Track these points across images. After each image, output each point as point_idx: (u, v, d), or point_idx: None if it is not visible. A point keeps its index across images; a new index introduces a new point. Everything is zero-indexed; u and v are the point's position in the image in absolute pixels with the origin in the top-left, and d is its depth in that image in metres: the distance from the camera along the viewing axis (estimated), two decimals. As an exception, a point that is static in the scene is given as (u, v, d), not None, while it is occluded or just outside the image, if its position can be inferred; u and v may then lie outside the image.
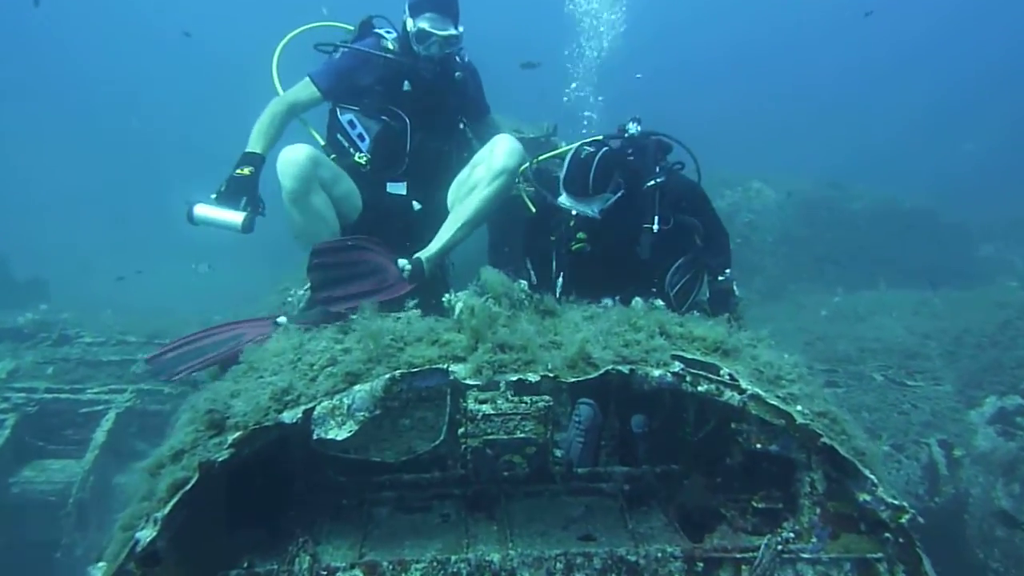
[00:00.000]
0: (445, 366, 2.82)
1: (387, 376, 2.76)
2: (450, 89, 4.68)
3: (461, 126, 4.91)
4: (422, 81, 4.52)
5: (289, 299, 4.41)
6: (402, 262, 3.96)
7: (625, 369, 2.85)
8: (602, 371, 2.78)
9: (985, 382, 6.29)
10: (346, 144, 4.55)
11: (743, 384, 2.95)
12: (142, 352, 6.50)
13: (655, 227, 3.82)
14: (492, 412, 2.85)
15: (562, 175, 3.91)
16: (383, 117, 4.52)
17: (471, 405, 2.84)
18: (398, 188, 4.66)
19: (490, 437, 2.88)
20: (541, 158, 4.57)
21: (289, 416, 2.67)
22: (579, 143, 4.20)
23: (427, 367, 2.81)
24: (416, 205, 4.69)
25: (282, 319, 3.69)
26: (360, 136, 4.51)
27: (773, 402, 2.87)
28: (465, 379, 2.74)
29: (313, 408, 2.70)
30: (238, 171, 4.09)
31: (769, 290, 9.74)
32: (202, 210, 3.89)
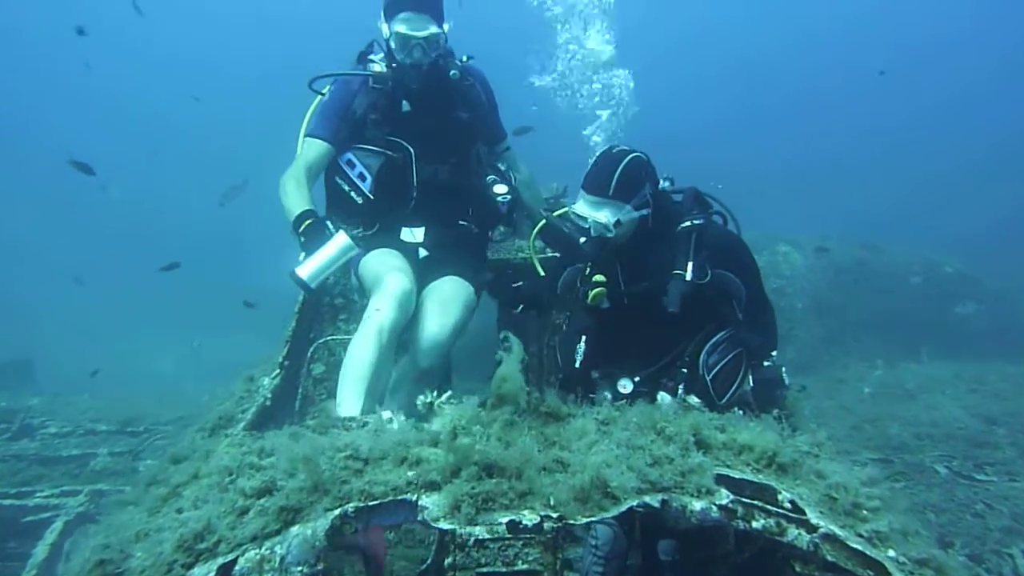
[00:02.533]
0: (414, 497, 2.13)
1: (333, 513, 2.07)
2: (454, 99, 4.00)
3: (477, 154, 4.17)
4: (419, 97, 3.89)
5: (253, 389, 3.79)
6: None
7: (655, 501, 2.14)
8: (624, 507, 2.07)
9: (1070, 478, 5.41)
10: (347, 188, 3.92)
11: (812, 518, 2.23)
12: (108, 444, 5.83)
13: (688, 275, 3.01)
14: (487, 536, 2.13)
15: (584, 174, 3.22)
16: (382, 150, 3.89)
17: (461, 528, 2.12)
18: (411, 235, 3.99)
19: (484, 569, 2.25)
20: (556, 213, 3.85)
21: (200, 574, 1.97)
22: None
23: (389, 499, 2.12)
24: (422, 252, 4.00)
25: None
26: (360, 175, 3.89)
27: (856, 545, 2.14)
28: (437, 519, 2.04)
29: (234, 562, 2.01)
30: (304, 225, 3.50)
31: (802, 361, 8.96)
32: (308, 267, 3.34)
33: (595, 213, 3.09)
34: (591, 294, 3.17)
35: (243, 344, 9.33)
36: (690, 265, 3.01)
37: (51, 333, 14.97)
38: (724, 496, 2.21)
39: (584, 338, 3.30)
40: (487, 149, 4.28)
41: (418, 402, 2.53)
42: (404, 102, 3.89)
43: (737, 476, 2.40)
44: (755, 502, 2.27)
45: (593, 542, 2.89)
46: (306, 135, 3.92)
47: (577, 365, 3.26)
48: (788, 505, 2.30)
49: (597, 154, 3.24)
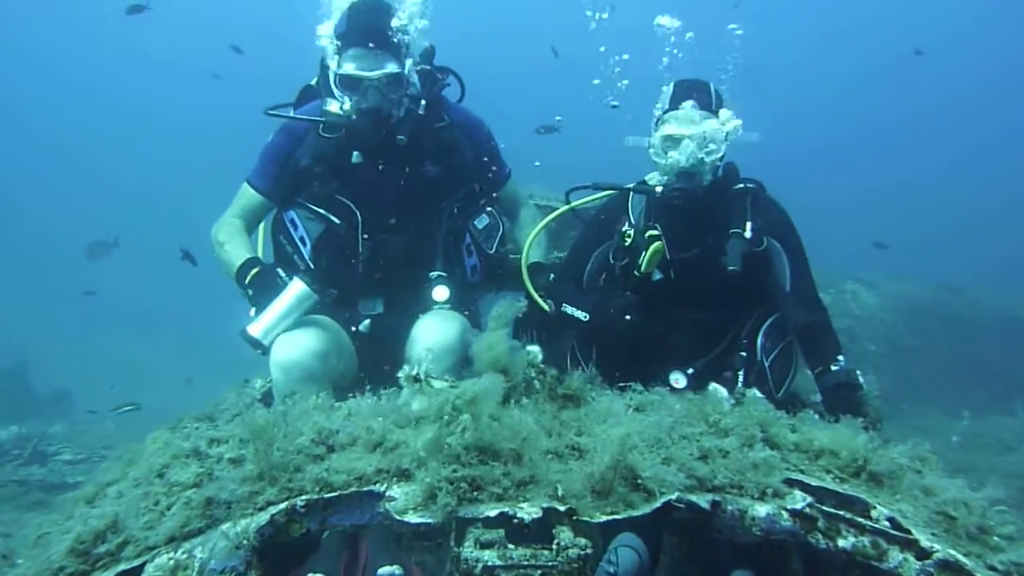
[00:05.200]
0: (382, 488, 1.63)
1: (276, 508, 1.59)
2: (420, 149, 3.17)
3: (455, 211, 3.32)
4: (373, 147, 3.09)
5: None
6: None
7: (704, 502, 1.58)
8: (659, 503, 1.52)
9: None
10: (290, 250, 3.20)
11: (922, 540, 1.62)
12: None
13: (747, 232, 2.72)
14: (499, 563, 1.58)
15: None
16: (325, 212, 3.15)
17: (468, 551, 1.58)
18: (370, 307, 3.21)
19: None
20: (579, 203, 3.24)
21: (93, 581, 1.52)
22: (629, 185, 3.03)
23: (351, 491, 1.63)
24: (362, 327, 3.18)
25: None
26: (302, 239, 3.19)
27: (989, 578, 1.52)
28: (404, 512, 1.52)
29: (141, 568, 1.55)
30: (251, 276, 2.95)
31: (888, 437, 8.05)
32: (261, 324, 2.83)
33: (701, 127, 2.71)
34: (647, 255, 2.68)
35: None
36: (748, 224, 2.72)
37: (84, 363, 15.08)
38: (799, 499, 1.63)
39: (628, 318, 2.74)
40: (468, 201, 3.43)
41: (400, 375, 2.04)
42: (355, 153, 3.10)
43: (815, 484, 1.81)
44: (841, 513, 1.67)
45: (611, 569, 2.26)
46: (246, 179, 3.28)
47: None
48: (886, 523, 1.70)
49: (676, 81, 2.93)
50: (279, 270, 2.94)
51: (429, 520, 1.50)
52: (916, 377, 8.68)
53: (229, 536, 1.54)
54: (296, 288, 2.82)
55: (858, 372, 2.77)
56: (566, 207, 3.27)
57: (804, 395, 3.09)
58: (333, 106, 3.07)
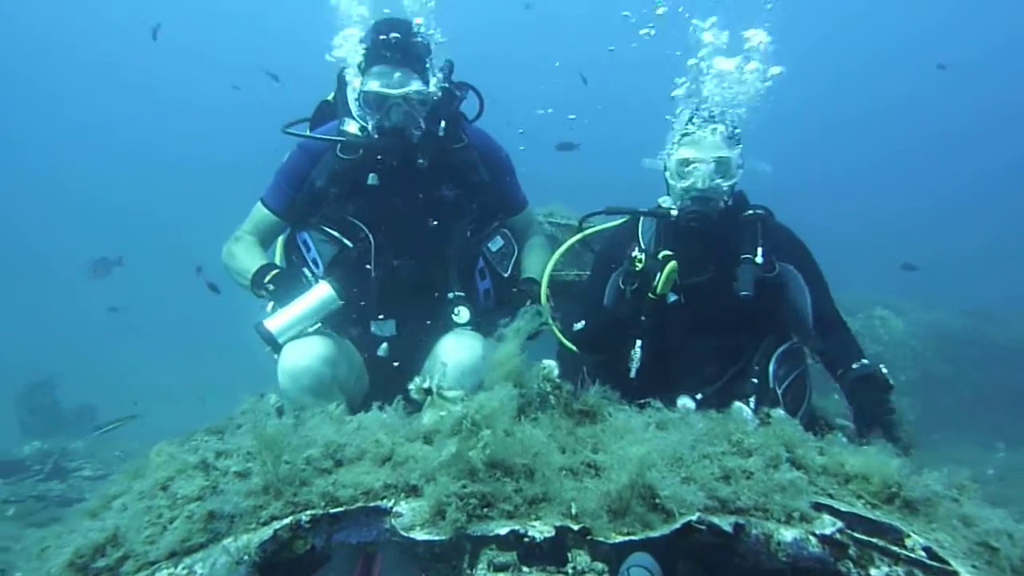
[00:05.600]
0: (389, 504, 1.56)
1: (281, 522, 1.53)
2: (438, 171, 3.11)
3: (468, 233, 3.28)
4: (390, 169, 3.05)
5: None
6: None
7: (726, 524, 1.49)
8: (679, 524, 1.44)
9: None
10: (303, 270, 3.13)
11: (962, 572, 1.52)
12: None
13: (758, 258, 2.73)
14: None
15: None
16: (339, 235, 3.09)
17: (481, 573, 1.52)
18: (381, 330, 3.12)
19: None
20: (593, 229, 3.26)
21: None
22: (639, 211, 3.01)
23: (357, 506, 1.57)
24: (380, 351, 3.12)
25: None
26: (315, 261, 3.13)
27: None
28: (411, 528, 1.46)
29: None
30: (271, 275, 2.90)
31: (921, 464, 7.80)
32: (279, 319, 2.73)
33: (719, 151, 2.74)
34: (663, 275, 2.62)
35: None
36: (759, 250, 2.73)
37: (111, 378, 15.22)
38: (828, 524, 1.53)
39: (640, 344, 2.69)
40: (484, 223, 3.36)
41: (411, 387, 1.98)
42: (371, 175, 3.05)
43: (845, 509, 1.71)
44: (874, 541, 1.57)
45: None
46: (261, 198, 3.21)
47: (632, 375, 2.65)
48: (922, 553, 1.60)
49: (695, 106, 2.98)
50: (305, 270, 2.90)
51: (437, 537, 1.43)
52: (948, 407, 8.42)
53: (230, 551, 1.49)
54: (322, 291, 2.75)
55: (882, 367, 2.67)
56: (577, 237, 3.25)
57: (831, 419, 2.98)
58: (352, 126, 3.03)
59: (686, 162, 2.75)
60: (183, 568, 1.52)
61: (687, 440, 1.73)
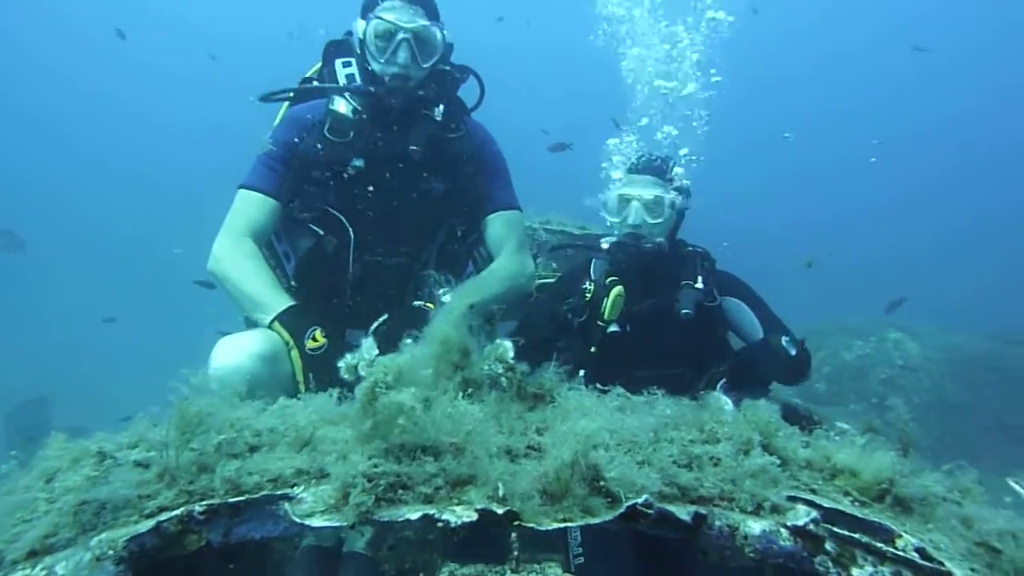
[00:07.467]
0: (299, 492, 1.38)
1: (170, 514, 1.35)
2: (430, 160, 2.88)
3: (458, 233, 3.07)
4: (382, 158, 2.82)
5: None
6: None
7: (684, 514, 1.30)
8: (623, 508, 1.25)
9: None
10: (272, 264, 2.87)
11: (957, 573, 1.31)
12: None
13: (698, 284, 2.90)
14: None
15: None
16: (314, 227, 2.85)
17: None
18: (360, 337, 2.73)
19: None
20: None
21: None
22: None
23: (262, 495, 1.38)
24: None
25: None
26: (286, 254, 2.93)
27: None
28: (310, 515, 1.28)
29: None
30: (309, 346, 2.45)
31: (916, 466, 7.48)
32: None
33: (651, 190, 2.96)
34: (609, 300, 2.80)
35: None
36: (700, 278, 2.91)
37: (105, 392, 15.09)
38: (802, 514, 1.33)
39: (583, 373, 2.60)
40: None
41: (341, 364, 1.80)
42: (356, 158, 2.80)
43: (828, 505, 1.50)
44: (856, 535, 1.37)
45: None
46: (242, 185, 2.84)
47: None
48: (914, 554, 1.39)
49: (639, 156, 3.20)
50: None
51: (337, 523, 1.24)
52: (966, 435, 8.07)
53: (90, 547, 1.29)
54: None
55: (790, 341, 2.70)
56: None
57: (827, 421, 2.79)
58: (341, 105, 2.86)
59: (624, 199, 2.95)
60: (41, 568, 1.31)
61: (648, 423, 1.54)
